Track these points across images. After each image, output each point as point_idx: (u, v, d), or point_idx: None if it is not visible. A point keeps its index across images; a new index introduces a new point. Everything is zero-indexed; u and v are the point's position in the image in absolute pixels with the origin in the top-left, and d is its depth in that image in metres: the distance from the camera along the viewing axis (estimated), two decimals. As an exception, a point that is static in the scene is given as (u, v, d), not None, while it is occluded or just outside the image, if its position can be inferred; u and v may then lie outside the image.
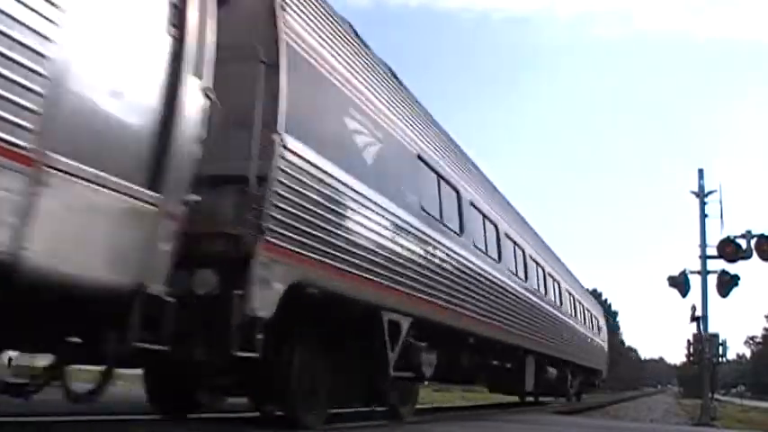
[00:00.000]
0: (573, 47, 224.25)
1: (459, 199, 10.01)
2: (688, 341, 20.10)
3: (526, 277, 14.13)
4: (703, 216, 19.36)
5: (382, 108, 7.50)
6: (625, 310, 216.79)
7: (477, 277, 10.53)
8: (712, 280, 18.87)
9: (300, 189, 5.68)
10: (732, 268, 18.59)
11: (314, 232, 5.88)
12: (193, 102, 4.49)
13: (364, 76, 7.21)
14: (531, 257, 14.87)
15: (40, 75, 3.34)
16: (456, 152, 10.50)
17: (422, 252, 8.30)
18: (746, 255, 18.00)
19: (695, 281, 19.24)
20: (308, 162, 5.78)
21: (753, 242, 17.96)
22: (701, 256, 19.25)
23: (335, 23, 6.80)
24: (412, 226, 7.94)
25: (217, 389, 7.31)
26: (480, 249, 10.77)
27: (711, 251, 18.86)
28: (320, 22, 6.39)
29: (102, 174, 3.73)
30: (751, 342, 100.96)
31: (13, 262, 3.27)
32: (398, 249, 7.59)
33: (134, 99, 4.07)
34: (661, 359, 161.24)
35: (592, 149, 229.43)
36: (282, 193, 5.44)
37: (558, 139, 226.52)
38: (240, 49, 5.37)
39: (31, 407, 5.08)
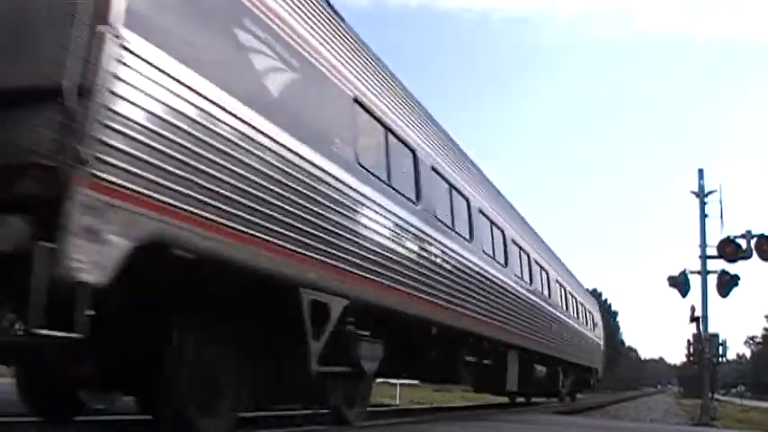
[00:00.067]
0: (573, 47, 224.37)
1: (416, 161, 8.42)
2: (688, 341, 20.05)
3: (506, 262, 12.53)
4: (703, 216, 19.34)
5: (303, 33, 5.93)
6: (625, 310, 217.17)
7: (442, 255, 8.97)
8: (712, 280, 18.95)
9: (155, 109, 4.13)
10: (732, 268, 18.68)
11: (183, 173, 4.33)
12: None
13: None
14: (513, 241, 13.29)
15: None
16: (404, 96, 8.62)
17: (362, 218, 6.75)
18: (746, 255, 18.03)
19: (695, 281, 19.31)
20: (168, 75, 4.23)
21: (753, 242, 17.99)
22: (700, 256, 19.25)
23: None
24: (345, 184, 6.37)
25: (91, 385, 5.79)
26: (444, 222, 9.15)
27: (711, 251, 18.90)
28: None
29: None
30: (751, 342, 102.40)
31: None
32: (326, 213, 6.03)
33: None
34: (661, 359, 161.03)
35: (592, 149, 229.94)
36: (121, 111, 3.89)
37: (558, 139, 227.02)
38: None
39: None
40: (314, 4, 6.25)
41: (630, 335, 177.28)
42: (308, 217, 5.70)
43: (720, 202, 19.07)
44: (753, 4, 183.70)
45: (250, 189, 4.93)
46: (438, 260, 8.85)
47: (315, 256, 5.83)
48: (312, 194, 5.79)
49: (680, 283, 19.28)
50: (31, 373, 6.07)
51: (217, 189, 4.61)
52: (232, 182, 4.75)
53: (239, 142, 4.84)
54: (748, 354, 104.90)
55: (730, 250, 18.22)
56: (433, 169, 8.98)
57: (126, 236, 3.93)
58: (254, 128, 5.02)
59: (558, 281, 18.50)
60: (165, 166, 4.20)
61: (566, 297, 19.78)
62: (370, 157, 7.06)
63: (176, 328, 5.18)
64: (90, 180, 3.69)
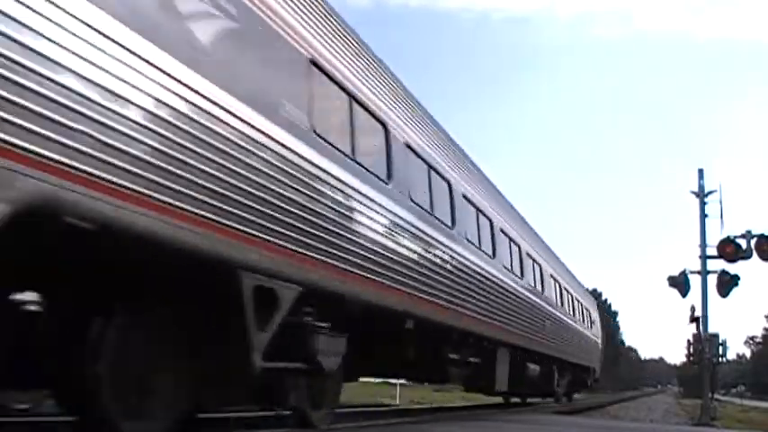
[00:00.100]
0: (573, 47, 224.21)
1: (388, 134, 7.59)
2: (688, 341, 19.94)
3: (494, 253, 11.72)
4: (703, 216, 19.27)
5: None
6: (625, 310, 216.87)
7: (420, 241, 8.16)
8: (712, 280, 18.89)
9: (25, 38, 3.31)
10: (732, 268, 18.63)
11: (69, 121, 3.52)
12: None
13: None
14: (502, 231, 12.46)
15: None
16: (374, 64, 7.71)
17: (321, 195, 5.94)
18: (746, 255, 17.95)
19: (695, 281, 19.25)
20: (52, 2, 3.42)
21: (753, 242, 17.91)
22: (700, 256, 19.18)
23: None
24: (294, 152, 5.53)
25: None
26: (417, 203, 8.27)
27: (711, 251, 18.83)
28: None
29: None
30: (751, 342, 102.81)
31: None
32: (270, 184, 5.23)
33: None
34: (661, 359, 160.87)
35: (592, 149, 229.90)
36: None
37: (558, 139, 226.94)
38: None
39: None
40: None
41: (630, 335, 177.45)
42: (245, 187, 4.88)
43: (720, 202, 19.04)
44: (753, 4, 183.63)
45: (162, 147, 4.11)
46: (415, 246, 8.04)
47: (257, 233, 5.02)
48: (252, 161, 4.98)
49: (680, 283, 19.20)
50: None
51: (118, 145, 3.80)
52: (138, 137, 3.94)
53: (147, 86, 4.02)
54: (748, 354, 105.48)
55: (730, 250, 18.13)
56: (409, 146, 8.16)
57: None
58: (183, 84, 4.23)
59: (552, 276, 17.67)
60: (49, 114, 3.39)
61: (561, 293, 18.94)
62: (330, 125, 6.24)
63: (96, 317, 4.43)
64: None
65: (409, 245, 7.86)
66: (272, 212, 5.19)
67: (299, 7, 5.92)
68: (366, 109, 7.14)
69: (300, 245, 5.59)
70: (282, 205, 5.35)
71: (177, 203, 4.21)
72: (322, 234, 5.91)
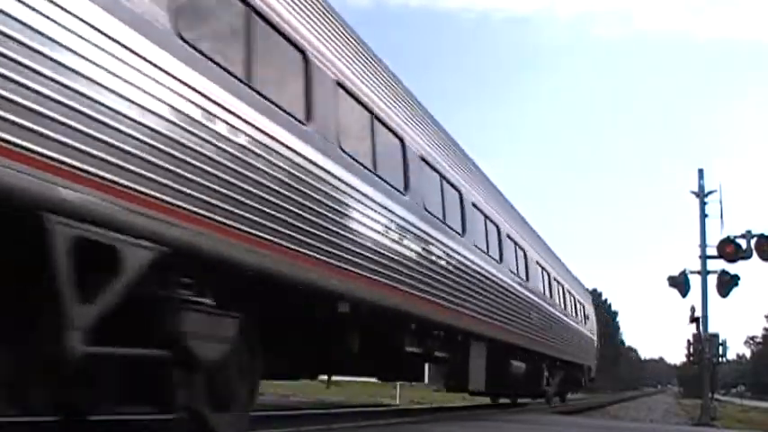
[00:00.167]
0: (573, 47, 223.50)
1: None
2: (688, 341, 20.01)
3: (464, 231, 10.18)
4: (703, 216, 19.38)
5: None
6: (625, 310, 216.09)
7: (368, 209, 6.66)
8: (712, 280, 19.01)
9: None
10: (732, 268, 18.73)
11: None
12: None
13: None
14: (474, 206, 10.91)
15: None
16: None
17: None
18: (746, 255, 18.04)
19: (695, 281, 19.37)
20: None
21: (753, 242, 17.99)
22: (700, 256, 19.29)
23: None
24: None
25: None
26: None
27: (711, 251, 18.95)
28: None
29: None
30: (751, 342, 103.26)
31: None
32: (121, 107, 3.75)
33: None
34: (661, 359, 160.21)
35: (592, 149, 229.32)
36: None
37: (558, 139, 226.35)
38: None
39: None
40: None
41: (630, 335, 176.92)
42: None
43: (720, 202, 19.13)
44: (753, 4, 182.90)
45: None
46: (360, 215, 6.55)
47: (72, 162, 3.52)
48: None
49: (680, 283, 19.28)
50: None
51: None
52: None
53: None
54: (748, 354, 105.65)
55: (730, 250, 18.21)
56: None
57: None
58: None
59: (539, 263, 16.12)
60: None
61: (550, 284, 17.37)
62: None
63: None
64: None
65: (352, 213, 6.40)
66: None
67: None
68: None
69: (154, 186, 4.08)
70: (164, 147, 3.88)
71: None
72: (185, 174, 4.41)
